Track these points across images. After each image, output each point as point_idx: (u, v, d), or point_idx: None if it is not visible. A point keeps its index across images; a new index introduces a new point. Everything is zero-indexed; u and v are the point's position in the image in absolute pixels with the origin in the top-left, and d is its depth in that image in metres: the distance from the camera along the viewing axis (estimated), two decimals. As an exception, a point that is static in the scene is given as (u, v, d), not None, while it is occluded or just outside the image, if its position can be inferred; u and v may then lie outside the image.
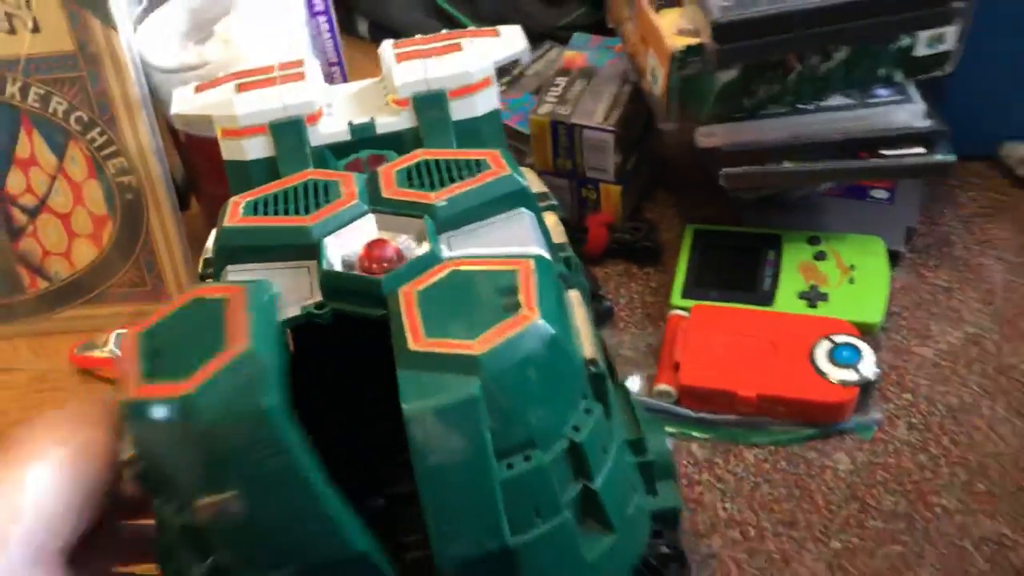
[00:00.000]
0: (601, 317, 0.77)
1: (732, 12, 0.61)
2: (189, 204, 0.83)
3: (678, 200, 0.85)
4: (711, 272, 0.76)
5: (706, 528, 0.65)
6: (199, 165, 0.82)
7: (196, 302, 0.47)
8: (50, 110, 0.71)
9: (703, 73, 0.65)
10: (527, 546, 0.46)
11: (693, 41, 0.63)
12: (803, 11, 0.62)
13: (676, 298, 0.75)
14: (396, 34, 1.01)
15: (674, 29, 0.65)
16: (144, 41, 0.73)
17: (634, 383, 0.72)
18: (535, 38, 0.72)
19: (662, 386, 0.70)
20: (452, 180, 0.54)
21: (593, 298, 0.80)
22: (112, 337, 0.77)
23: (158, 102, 0.74)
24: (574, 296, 0.51)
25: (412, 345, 0.44)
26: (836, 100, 0.69)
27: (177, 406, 0.42)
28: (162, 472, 0.45)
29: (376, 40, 1.04)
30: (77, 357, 0.77)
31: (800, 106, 0.69)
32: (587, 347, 0.48)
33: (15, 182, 0.74)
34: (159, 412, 0.42)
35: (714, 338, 0.70)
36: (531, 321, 0.45)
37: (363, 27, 1.06)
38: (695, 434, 0.69)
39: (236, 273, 0.52)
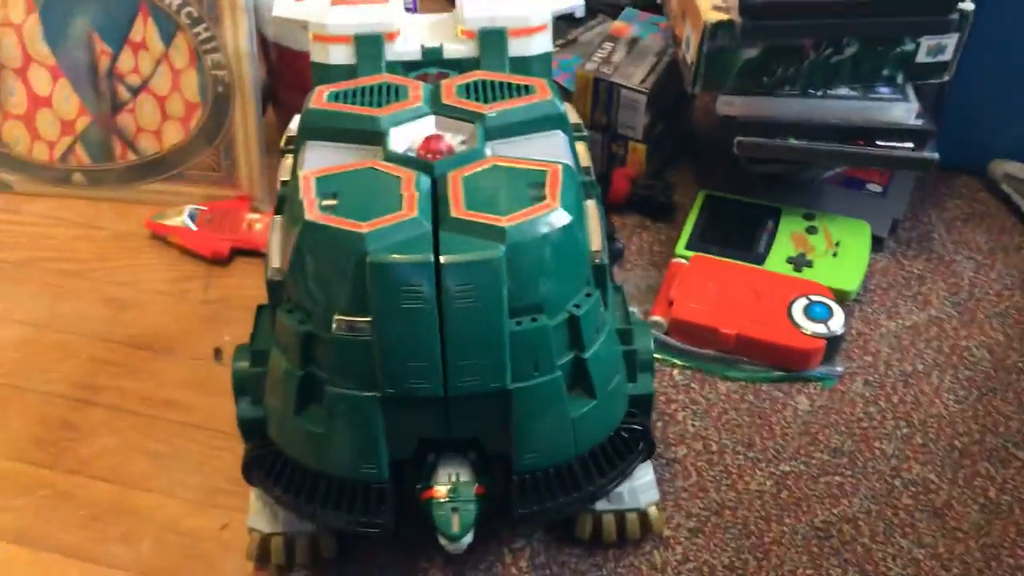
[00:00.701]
0: (613, 256, 0.86)
1: (762, -6, 0.69)
2: (266, 111, 0.93)
3: (698, 169, 0.94)
4: (714, 230, 0.84)
5: (675, 439, 0.73)
6: (282, 76, 0.91)
7: (372, 171, 0.56)
8: (166, 2, 0.80)
9: (730, 47, 0.73)
10: (523, 392, 0.55)
11: (725, 17, 0.72)
12: (822, 1, 0.71)
13: (680, 247, 0.83)
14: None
15: (710, 4, 0.73)
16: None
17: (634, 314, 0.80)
18: (590, 10, 0.80)
19: (655, 317, 0.78)
20: (502, 98, 0.63)
21: (608, 239, 0.88)
22: (186, 210, 0.86)
23: (257, 14, 0.83)
24: (591, 203, 0.59)
25: (453, 213, 0.53)
26: (842, 91, 0.78)
27: (353, 239, 0.51)
28: (311, 285, 0.54)
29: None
30: (152, 223, 0.86)
31: (810, 91, 0.78)
32: (595, 241, 0.57)
33: (125, 61, 0.84)
34: (335, 237, 0.51)
35: (707, 283, 0.79)
36: (552, 208, 0.54)
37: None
38: (677, 362, 0.77)
39: (314, 148, 0.61)
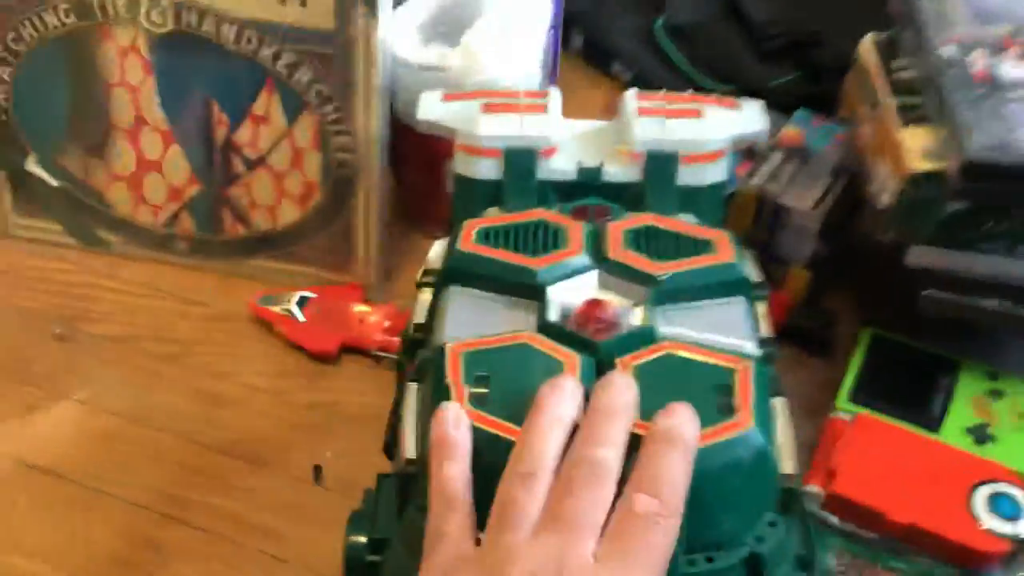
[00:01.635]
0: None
1: (989, 152, 0.60)
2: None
3: (859, 297, 0.84)
4: (882, 382, 0.75)
5: (826, 639, 0.65)
6: (405, 151, 0.84)
7: (528, 350, 0.49)
8: (294, 78, 0.74)
9: (935, 198, 0.64)
10: (692, 642, 0.47)
11: (936, 167, 0.63)
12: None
13: (842, 400, 0.74)
14: (609, 56, 1.04)
15: (919, 149, 0.64)
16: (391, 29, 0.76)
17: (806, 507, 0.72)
18: (743, 94, 0.72)
19: (812, 487, 0.70)
20: (678, 254, 0.55)
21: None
22: (295, 297, 0.80)
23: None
24: (779, 404, 0.51)
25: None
26: (1056, 251, 0.68)
27: (508, 447, 0.44)
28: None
29: (589, 58, 1.05)
30: (257, 307, 0.80)
31: (1020, 247, 0.68)
32: (787, 461, 0.49)
33: (244, 134, 0.78)
34: (489, 444, 0.45)
35: (875, 453, 0.70)
36: (745, 429, 0.46)
37: (578, 42, 1.07)
38: (834, 543, 0.69)
39: (458, 298, 0.54)
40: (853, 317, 0.83)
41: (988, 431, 0.72)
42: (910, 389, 0.75)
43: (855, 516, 0.69)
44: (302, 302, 0.80)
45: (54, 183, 0.83)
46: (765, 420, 0.47)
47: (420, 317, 0.57)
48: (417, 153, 0.83)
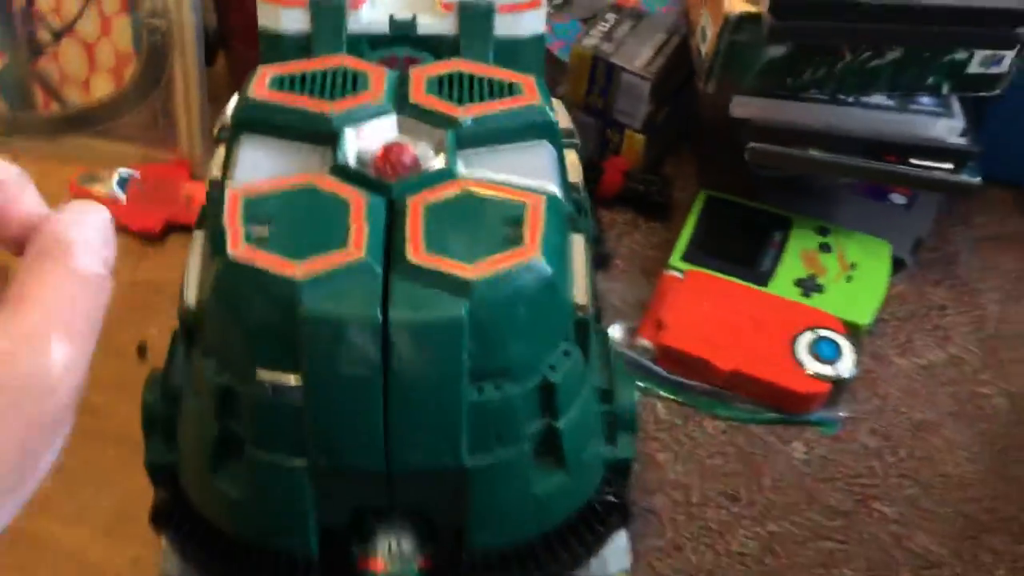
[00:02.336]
0: (598, 262, 0.78)
1: (797, -11, 0.60)
2: (215, 60, 0.83)
3: (698, 163, 0.85)
4: (715, 241, 0.77)
5: (653, 485, 0.67)
6: (234, 23, 0.81)
7: (314, 191, 0.48)
8: (95, -65, 0.70)
9: (753, 43, 0.64)
10: (481, 469, 0.47)
11: (751, 9, 0.63)
12: (866, 3, 0.62)
13: (675, 259, 0.75)
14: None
15: (735, -7, 0.64)
16: None
17: (616, 332, 0.73)
18: None
19: (643, 341, 0.71)
20: (482, 97, 0.54)
21: (593, 241, 0.81)
22: (115, 175, 0.77)
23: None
24: (578, 240, 0.51)
25: (411, 257, 0.45)
26: (877, 99, 0.69)
27: (283, 285, 0.43)
28: (230, 333, 0.46)
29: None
30: (78, 188, 0.77)
31: (840, 96, 0.69)
32: (580, 292, 0.49)
33: (46, 1, 0.74)
34: (262, 282, 0.43)
35: (703, 305, 0.72)
36: (530, 257, 0.46)
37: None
38: (663, 393, 0.71)
39: (249, 146, 0.53)
40: (692, 182, 0.84)
41: (816, 282, 0.74)
42: (742, 246, 0.77)
43: (682, 366, 0.70)
44: (123, 182, 0.77)
45: None
46: (555, 252, 0.47)
47: (216, 171, 0.55)
48: (245, 23, 0.80)
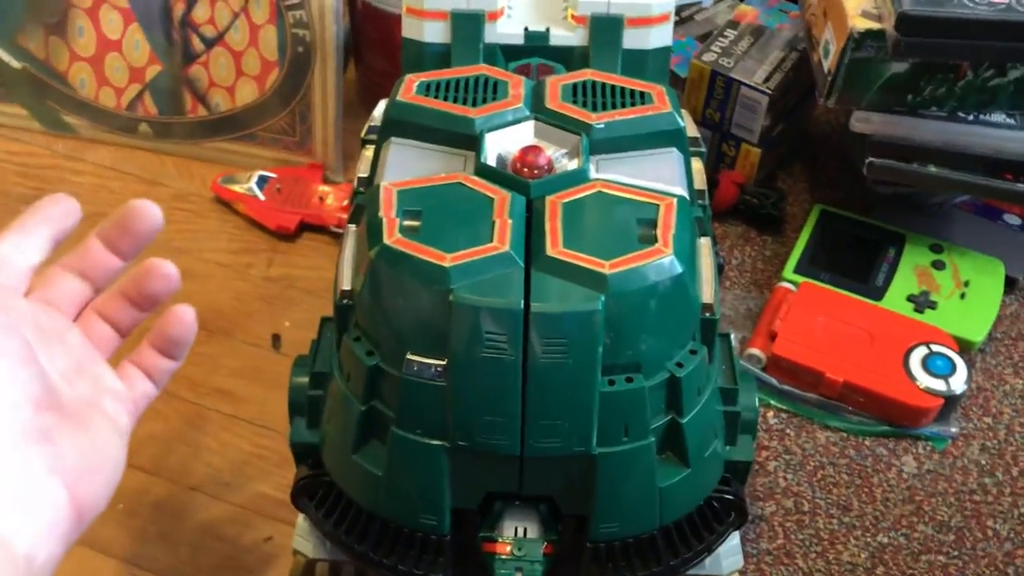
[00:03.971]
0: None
1: (922, 6, 0.61)
2: (347, 68, 0.87)
3: (812, 178, 0.86)
4: (828, 254, 0.77)
5: (764, 492, 0.67)
6: (367, 35, 0.85)
7: (460, 188, 0.50)
8: (249, -49, 0.75)
9: (876, 60, 0.65)
10: (608, 458, 0.49)
11: (875, 25, 0.64)
12: (991, 21, 0.62)
13: (788, 271, 0.76)
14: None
15: (858, 9, 0.65)
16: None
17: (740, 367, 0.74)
18: None
19: (754, 350, 0.72)
20: (615, 105, 0.56)
21: (710, 250, 0.82)
22: (254, 176, 0.81)
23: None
24: (704, 243, 0.53)
25: (550, 251, 0.47)
26: (997, 117, 0.69)
27: (434, 272, 0.46)
28: (382, 318, 0.49)
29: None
30: (219, 187, 0.82)
31: (961, 114, 0.69)
32: (707, 292, 0.51)
33: (201, 12, 0.78)
34: (415, 268, 0.46)
35: (816, 317, 0.72)
36: (663, 256, 0.47)
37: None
38: (773, 403, 0.71)
39: (399, 145, 0.55)
40: (804, 197, 0.84)
41: (929, 299, 0.74)
42: (856, 261, 0.77)
43: (794, 377, 0.71)
44: (262, 181, 0.81)
45: (16, 64, 0.84)
46: (686, 252, 0.48)
47: (363, 171, 0.58)
48: (377, 35, 0.83)
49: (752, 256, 0.80)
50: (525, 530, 0.53)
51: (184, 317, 0.43)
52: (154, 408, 0.69)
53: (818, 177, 0.86)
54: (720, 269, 0.79)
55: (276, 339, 0.74)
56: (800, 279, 0.75)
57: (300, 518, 0.59)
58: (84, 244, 0.44)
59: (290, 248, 0.80)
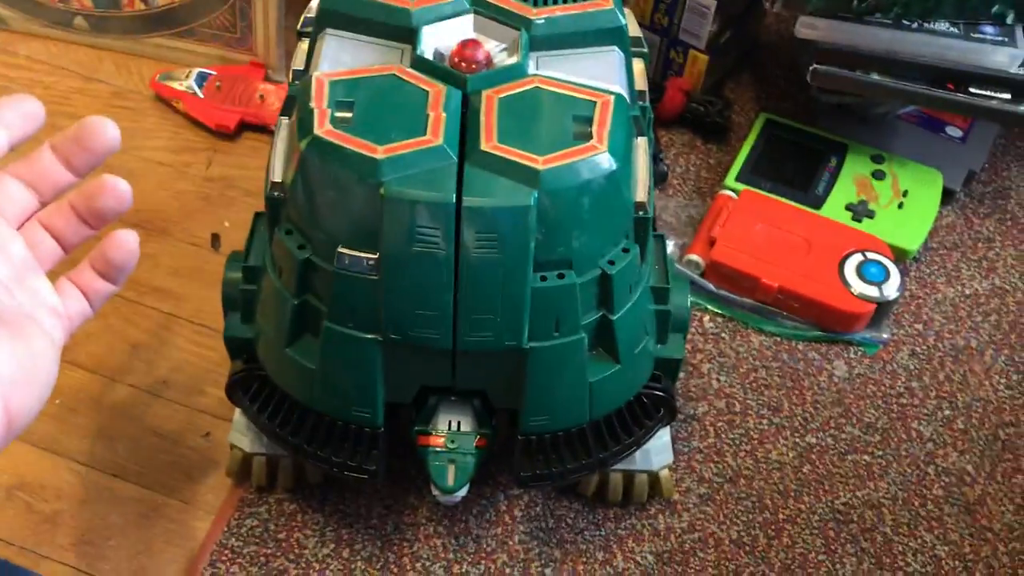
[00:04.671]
0: (654, 179, 0.79)
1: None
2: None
3: (760, 87, 0.85)
4: (771, 163, 0.77)
5: (697, 393, 0.68)
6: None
7: (396, 80, 0.49)
8: None
9: (822, -36, 0.64)
10: (539, 353, 0.50)
11: (821, -72, 0.63)
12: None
13: (730, 179, 0.76)
14: None
15: (806, -89, 0.64)
16: None
17: (668, 247, 0.74)
18: None
19: (693, 256, 0.72)
20: (555, 1, 0.55)
21: (652, 159, 0.81)
22: (193, 73, 0.79)
23: None
24: (641, 142, 0.53)
25: (483, 146, 0.47)
26: (941, 25, 0.69)
27: (365, 163, 0.45)
28: (316, 211, 0.48)
29: None
30: (157, 84, 0.79)
31: (905, 21, 0.69)
32: (641, 191, 0.51)
33: (134, -102, 0.75)
34: (346, 160, 0.45)
35: (755, 225, 0.72)
36: (597, 152, 0.47)
37: None
38: (710, 307, 0.72)
39: (334, 37, 0.54)
40: (751, 106, 0.84)
41: (867, 208, 0.75)
42: (797, 170, 0.77)
43: (731, 283, 0.72)
44: (201, 79, 0.79)
45: (-57, -48, 0.81)
46: (621, 150, 0.48)
47: (299, 63, 0.57)
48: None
49: (696, 164, 0.80)
50: (459, 424, 0.54)
51: (127, 242, 0.42)
52: (91, 306, 0.69)
53: (765, 87, 0.85)
54: (663, 176, 0.80)
55: (215, 239, 0.73)
56: (741, 187, 0.75)
57: (237, 413, 0.60)
58: (36, 154, 0.43)
59: (230, 147, 0.79)
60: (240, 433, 0.60)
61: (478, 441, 0.54)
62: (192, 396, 0.66)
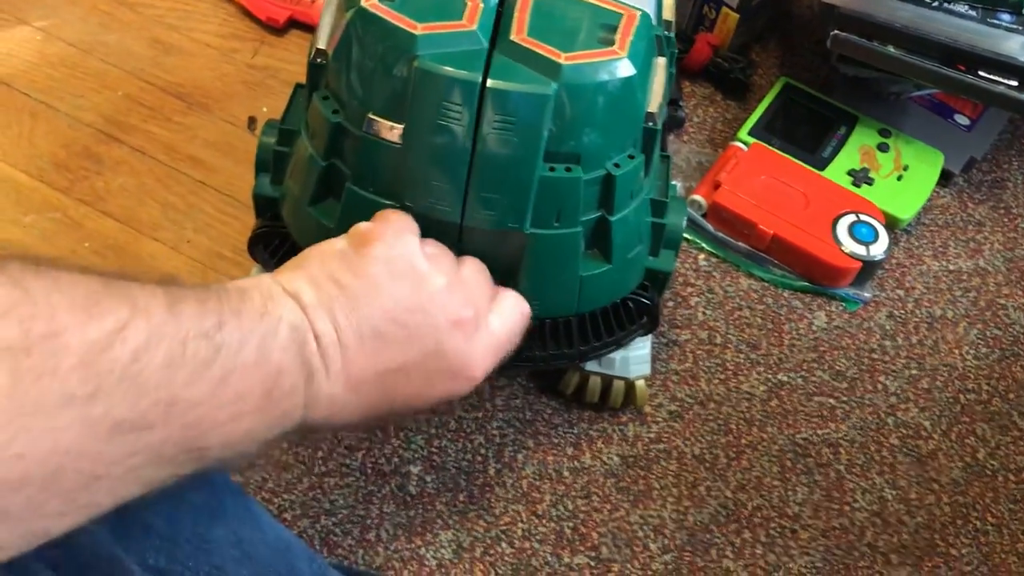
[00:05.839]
0: (673, 124, 0.82)
1: None
2: None
3: (784, 55, 0.89)
4: (783, 123, 0.80)
5: (682, 322, 0.72)
6: None
7: None
8: None
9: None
10: (538, 239, 0.53)
11: None
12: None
13: (743, 132, 0.80)
14: None
15: None
16: None
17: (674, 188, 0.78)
18: None
19: (697, 196, 0.76)
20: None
21: (673, 104, 0.85)
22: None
23: None
24: (661, 61, 0.56)
25: (513, 36, 0.50)
26: (960, 7, 0.72)
27: (403, 37, 0.48)
28: (351, 76, 0.51)
29: None
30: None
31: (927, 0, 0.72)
32: (654, 103, 0.54)
33: None
34: (386, 32, 0.48)
35: (759, 176, 0.76)
36: (617, 57, 0.51)
37: None
38: (706, 247, 0.76)
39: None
40: (773, 71, 0.87)
41: (868, 175, 0.78)
42: (807, 133, 0.80)
43: (730, 226, 0.75)
44: (258, -29, 0.83)
45: None
46: (639, 59, 0.51)
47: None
48: None
49: (713, 117, 0.84)
50: None
51: None
52: (129, 164, 0.74)
53: (790, 55, 0.89)
54: (680, 123, 0.83)
55: (252, 121, 0.77)
56: (752, 141, 0.79)
57: (254, 269, 0.64)
58: None
59: (277, 41, 0.82)
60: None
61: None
62: (211, 257, 0.70)
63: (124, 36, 0.80)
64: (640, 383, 0.65)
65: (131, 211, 0.71)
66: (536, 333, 0.58)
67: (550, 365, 0.60)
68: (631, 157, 0.54)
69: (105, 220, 0.70)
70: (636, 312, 0.60)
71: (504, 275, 0.56)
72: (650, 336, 0.63)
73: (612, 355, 0.62)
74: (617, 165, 0.53)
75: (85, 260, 0.69)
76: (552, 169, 0.51)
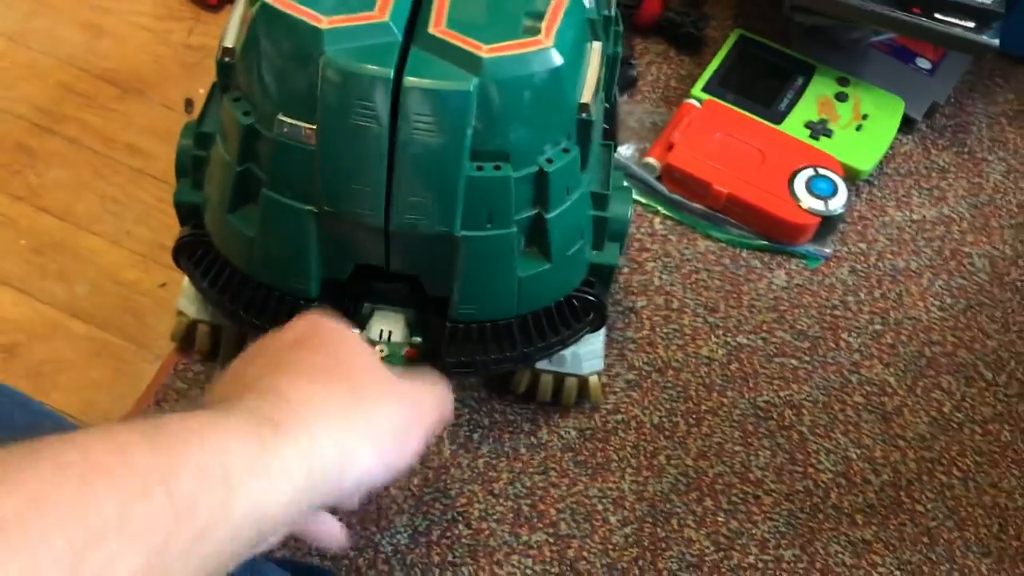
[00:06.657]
0: (623, 84, 0.80)
1: None
2: None
3: (739, 6, 0.85)
4: (738, 77, 0.77)
5: (638, 289, 0.70)
6: None
7: None
8: None
9: None
10: (470, 242, 0.49)
11: None
12: None
13: (697, 89, 0.77)
14: None
15: None
16: None
17: (627, 150, 0.75)
18: None
19: (650, 159, 0.73)
20: None
21: (622, 64, 0.82)
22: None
23: None
24: (596, 47, 0.51)
25: (431, 29, 0.45)
26: (916, -51, 0.69)
27: (309, 32, 0.45)
28: (259, 75, 0.47)
29: None
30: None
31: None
32: (587, 93, 0.49)
33: None
34: (290, 27, 0.45)
35: (713, 134, 0.73)
36: (543, 47, 0.46)
37: None
38: (661, 210, 0.73)
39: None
40: (727, 24, 0.83)
41: (826, 127, 0.75)
42: (763, 86, 0.77)
43: (684, 187, 0.73)
44: (189, -54, 0.79)
45: None
46: (568, 48, 0.47)
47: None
48: None
49: (667, 74, 0.81)
50: (390, 333, 0.54)
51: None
52: (64, 156, 0.71)
53: (743, 6, 0.84)
54: (632, 82, 0.80)
55: (189, 104, 0.74)
56: (706, 97, 0.76)
57: (185, 281, 0.60)
58: None
59: (212, 19, 0.78)
60: (187, 300, 0.60)
61: (408, 351, 0.54)
62: (153, 249, 0.67)
63: (54, 22, 0.76)
64: (594, 379, 0.62)
65: (68, 205, 0.69)
66: (477, 337, 0.54)
67: (494, 370, 0.57)
68: (565, 151, 0.49)
69: (41, 216, 0.68)
70: (582, 309, 0.56)
71: (440, 282, 0.52)
72: (603, 330, 0.60)
73: (563, 352, 0.59)
74: (550, 160, 0.49)
75: (22, 258, 0.67)
76: (480, 168, 0.47)
